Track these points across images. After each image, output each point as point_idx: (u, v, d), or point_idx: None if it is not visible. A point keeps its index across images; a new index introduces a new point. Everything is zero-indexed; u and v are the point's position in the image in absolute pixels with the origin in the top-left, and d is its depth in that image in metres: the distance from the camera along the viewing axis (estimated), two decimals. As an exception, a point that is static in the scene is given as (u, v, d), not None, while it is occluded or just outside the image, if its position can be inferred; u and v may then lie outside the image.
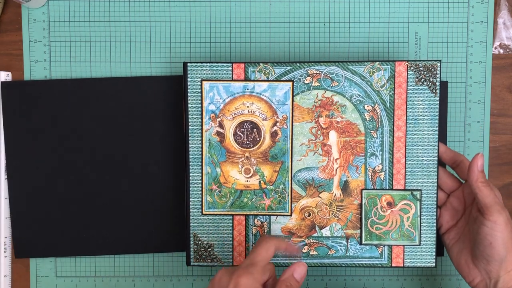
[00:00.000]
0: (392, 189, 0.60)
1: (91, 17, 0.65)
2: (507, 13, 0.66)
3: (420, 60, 0.59)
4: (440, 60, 0.59)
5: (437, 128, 0.59)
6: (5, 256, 0.66)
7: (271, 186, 0.61)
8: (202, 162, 0.61)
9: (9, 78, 0.65)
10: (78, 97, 0.65)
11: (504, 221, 0.54)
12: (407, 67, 0.59)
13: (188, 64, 0.60)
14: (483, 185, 0.55)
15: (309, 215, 0.61)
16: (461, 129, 0.66)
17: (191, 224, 0.62)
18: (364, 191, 0.61)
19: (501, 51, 0.66)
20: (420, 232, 0.61)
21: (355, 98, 0.60)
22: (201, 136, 0.61)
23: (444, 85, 0.65)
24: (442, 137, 0.64)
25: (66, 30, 0.65)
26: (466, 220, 0.59)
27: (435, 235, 0.61)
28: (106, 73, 0.66)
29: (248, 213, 0.62)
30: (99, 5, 0.65)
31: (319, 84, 0.60)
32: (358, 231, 0.61)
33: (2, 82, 0.65)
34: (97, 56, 0.65)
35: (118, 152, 0.65)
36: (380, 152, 0.60)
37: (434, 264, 0.61)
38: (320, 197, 0.61)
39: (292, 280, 0.52)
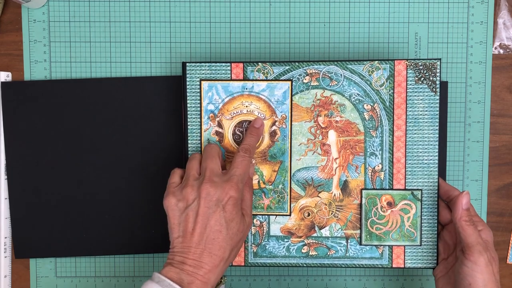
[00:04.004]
0: (392, 189, 0.60)
1: (91, 17, 0.65)
2: (507, 13, 0.65)
3: (419, 59, 0.59)
4: (440, 59, 0.59)
5: (437, 127, 0.59)
6: (5, 256, 0.66)
7: (270, 186, 0.61)
8: (201, 162, 0.61)
9: (9, 78, 0.66)
10: (78, 97, 0.65)
11: (485, 263, 0.52)
12: (407, 66, 0.59)
13: (187, 64, 0.60)
14: (466, 224, 0.54)
15: (309, 215, 0.61)
16: (461, 129, 0.66)
17: (190, 224, 0.61)
18: (363, 191, 0.60)
19: (501, 51, 0.66)
20: (421, 233, 0.60)
21: (354, 97, 0.59)
22: (200, 136, 0.61)
23: (444, 85, 0.64)
24: (442, 137, 0.64)
25: (66, 30, 0.65)
26: (456, 256, 0.58)
27: (436, 236, 0.60)
28: (106, 73, 0.66)
29: (247, 213, 0.61)
30: (99, 5, 0.65)
31: (318, 84, 0.59)
32: (358, 231, 0.61)
33: (2, 82, 0.65)
34: (97, 56, 0.66)
35: (117, 152, 0.65)
36: (380, 152, 0.60)
37: (435, 265, 0.60)
38: (320, 197, 0.61)
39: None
